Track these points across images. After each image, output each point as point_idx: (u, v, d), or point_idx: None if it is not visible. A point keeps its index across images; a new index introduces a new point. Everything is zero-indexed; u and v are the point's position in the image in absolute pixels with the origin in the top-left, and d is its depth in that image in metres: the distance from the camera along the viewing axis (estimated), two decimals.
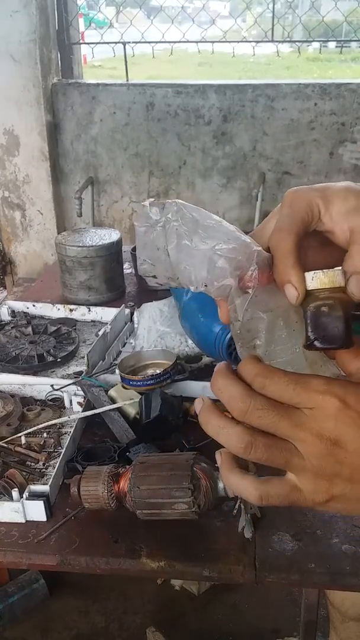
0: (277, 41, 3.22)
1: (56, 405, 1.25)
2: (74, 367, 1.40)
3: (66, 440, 1.10)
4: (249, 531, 0.93)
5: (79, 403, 1.22)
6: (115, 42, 3.22)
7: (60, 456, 1.05)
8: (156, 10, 3.38)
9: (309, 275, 0.49)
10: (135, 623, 1.95)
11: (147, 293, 1.72)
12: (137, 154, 3.15)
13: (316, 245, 0.54)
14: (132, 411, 1.18)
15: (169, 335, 1.39)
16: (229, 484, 0.52)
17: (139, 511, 0.90)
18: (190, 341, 1.35)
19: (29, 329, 1.52)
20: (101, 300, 1.71)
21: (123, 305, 1.57)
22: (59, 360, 1.40)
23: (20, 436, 1.12)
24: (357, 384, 0.48)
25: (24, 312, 1.64)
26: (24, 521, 0.96)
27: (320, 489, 0.48)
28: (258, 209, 3.02)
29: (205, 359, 1.33)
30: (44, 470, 1.07)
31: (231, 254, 0.51)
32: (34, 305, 1.65)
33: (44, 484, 1.00)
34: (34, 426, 1.15)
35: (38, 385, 1.29)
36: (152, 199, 0.57)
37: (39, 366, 1.38)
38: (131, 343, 1.47)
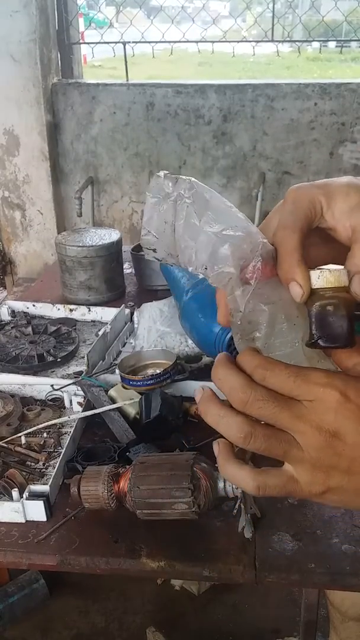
0: (277, 41, 3.22)
1: (56, 405, 1.25)
2: (74, 367, 1.40)
3: (66, 440, 1.10)
4: (249, 531, 0.92)
5: (79, 403, 1.22)
6: (115, 42, 3.22)
7: (60, 456, 1.05)
8: (156, 10, 3.38)
9: (314, 273, 0.49)
10: (135, 623, 1.95)
11: (147, 293, 1.72)
12: (137, 153, 3.15)
13: (318, 241, 0.53)
14: (132, 411, 1.18)
15: (169, 335, 1.39)
16: (226, 474, 0.52)
17: (139, 511, 0.90)
18: (190, 341, 1.35)
19: (29, 329, 1.52)
20: (101, 300, 1.71)
21: (123, 305, 1.57)
22: (59, 360, 1.40)
23: (20, 436, 1.12)
24: (357, 377, 0.48)
25: (24, 312, 1.64)
26: (24, 521, 0.96)
27: (317, 480, 0.48)
28: (258, 208, 3.02)
29: (205, 359, 1.33)
30: (44, 470, 1.07)
31: (237, 241, 0.50)
32: (34, 305, 1.65)
33: (44, 484, 1.00)
34: (34, 426, 1.15)
35: (38, 385, 1.29)
36: (166, 172, 0.55)
37: (39, 366, 1.38)
38: (131, 343, 1.47)
